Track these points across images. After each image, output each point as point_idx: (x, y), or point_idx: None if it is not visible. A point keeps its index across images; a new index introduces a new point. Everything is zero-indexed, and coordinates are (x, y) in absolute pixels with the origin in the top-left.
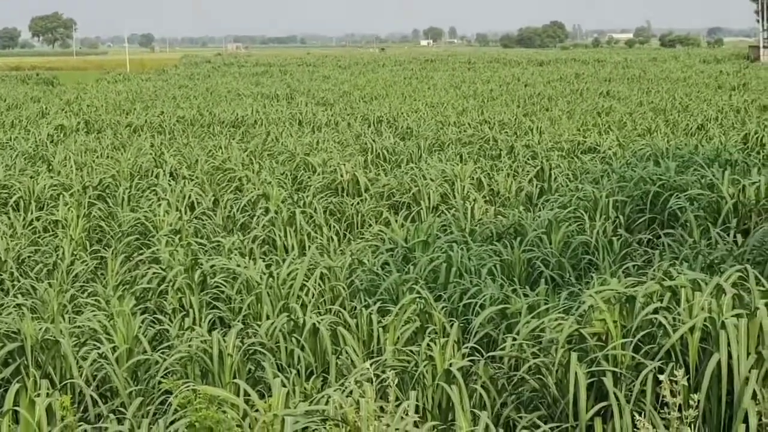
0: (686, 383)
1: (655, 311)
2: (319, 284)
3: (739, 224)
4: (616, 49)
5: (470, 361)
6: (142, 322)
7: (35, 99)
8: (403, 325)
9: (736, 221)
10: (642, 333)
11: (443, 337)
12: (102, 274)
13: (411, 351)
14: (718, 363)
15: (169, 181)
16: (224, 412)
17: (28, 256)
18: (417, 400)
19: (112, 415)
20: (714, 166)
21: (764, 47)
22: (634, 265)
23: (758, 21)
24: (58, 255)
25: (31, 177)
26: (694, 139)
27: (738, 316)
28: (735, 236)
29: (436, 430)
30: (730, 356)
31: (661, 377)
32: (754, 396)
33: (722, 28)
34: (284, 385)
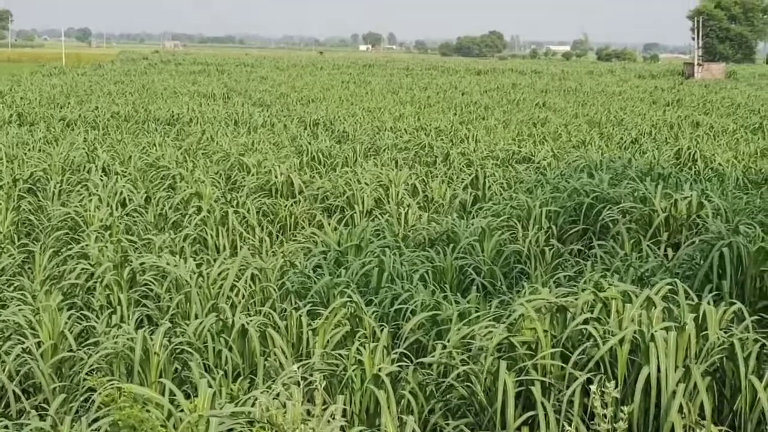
0: (616, 395)
1: (586, 322)
2: (249, 285)
3: (670, 238)
4: (554, 61)
5: (399, 366)
6: (69, 318)
7: None
8: (333, 329)
9: (667, 235)
10: (572, 343)
11: (373, 341)
12: (29, 268)
13: (340, 355)
14: (647, 375)
15: (101, 176)
16: (149, 411)
17: None
18: (344, 404)
19: (34, 411)
20: (647, 180)
21: (698, 64)
22: (565, 276)
23: (693, 38)
24: None
25: None
26: (628, 152)
27: (667, 329)
28: (666, 250)
29: None
30: (658, 369)
31: (591, 388)
32: (681, 409)
33: (658, 44)
34: (210, 386)
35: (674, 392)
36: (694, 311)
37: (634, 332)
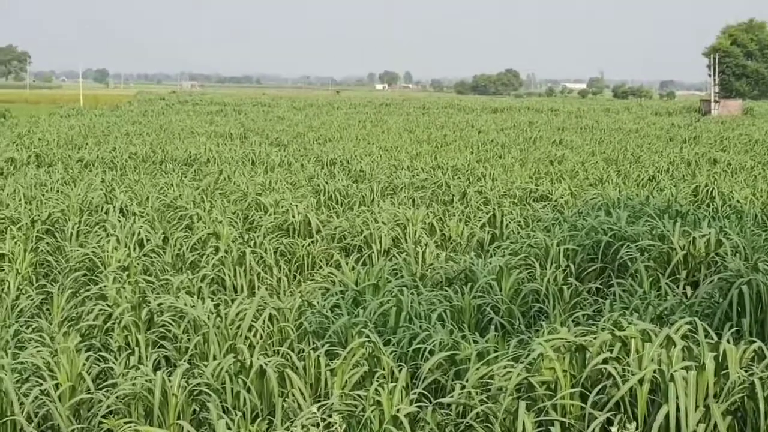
0: None
1: (605, 361)
2: (267, 325)
3: (689, 276)
4: (570, 99)
5: (418, 407)
6: (87, 359)
7: None
8: (351, 369)
9: (686, 273)
10: (591, 383)
11: (392, 381)
12: (47, 309)
13: (359, 395)
14: (667, 415)
15: (119, 217)
16: None
17: None
18: None
19: None
20: (665, 218)
21: (715, 101)
22: (584, 314)
23: (710, 75)
24: (2, 289)
25: None
26: (646, 190)
27: (687, 368)
28: (685, 288)
29: None
30: (678, 409)
31: (612, 429)
32: None
33: (674, 81)
34: (229, 428)
35: None
36: (713, 350)
37: (654, 372)
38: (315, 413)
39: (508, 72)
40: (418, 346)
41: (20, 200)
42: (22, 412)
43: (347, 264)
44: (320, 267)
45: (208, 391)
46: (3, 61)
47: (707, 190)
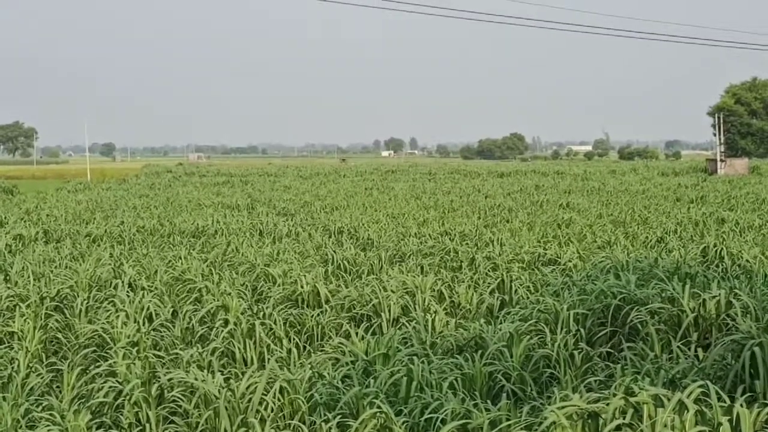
0: None
1: (618, 428)
2: (278, 398)
3: (700, 338)
4: (576, 161)
5: None
6: None
7: None
8: None
9: (696, 335)
10: None
11: None
12: (58, 387)
13: None
14: None
15: (127, 292)
16: None
17: None
18: None
19: None
20: (674, 279)
21: (721, 160)
22: (595, 380)
23: (715, 135)
24: (12, 367)
25: None
26: (654, 251)
27: None
28: (696, 350)
29: None
30: None
31: None
32: None
33: (680, 141)
34: None
35: None
36: (727, 413)
37: None
38: None
39: (513, 136)
40: (430, 415)
41: (29, 277)
42: None
43: (357, 334)
44: (330, 337)
45: None
46: (10, 137)
47: (716, 251)
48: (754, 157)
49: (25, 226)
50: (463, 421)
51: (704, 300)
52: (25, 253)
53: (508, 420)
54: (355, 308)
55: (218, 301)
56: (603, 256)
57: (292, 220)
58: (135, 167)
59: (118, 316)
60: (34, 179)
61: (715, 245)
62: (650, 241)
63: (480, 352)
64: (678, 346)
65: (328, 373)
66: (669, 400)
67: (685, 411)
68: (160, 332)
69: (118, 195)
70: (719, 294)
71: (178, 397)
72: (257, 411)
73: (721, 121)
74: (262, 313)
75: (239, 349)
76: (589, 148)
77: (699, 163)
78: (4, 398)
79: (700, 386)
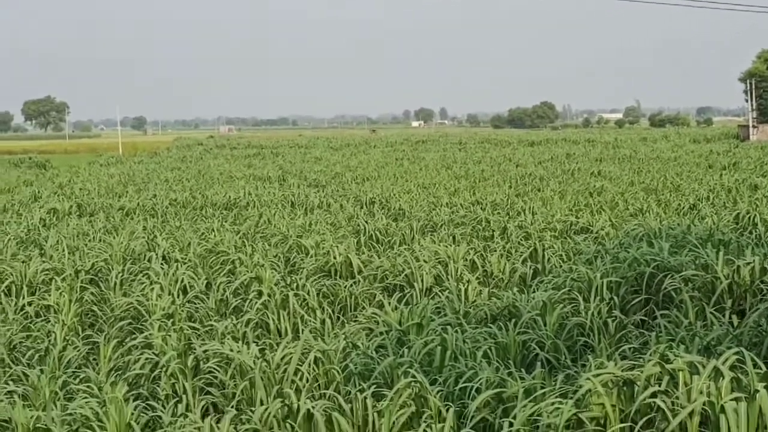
0: None
1: (654, 395)
2: (313, 368)
3: (734, 305)
4: (607, 129)
5: None
6: (135, 408)
7: (28, 182)
8: (398, 410)
9: (731, 302)
10: (641, 417)
11: (439, 421)
12: (94, 359)
13: None
14: None
15: (161, 264)
16: None
17: (20, 342)
18: None
19: None
20: (707, 246)
21: (753, 126)
22: (630, 348)
23: (747, 101)
24: (50, 340)
25: (23, 262)
26: (687, 218)
27: (737, 399)
28: (731, 317)
29: None
30: None
31: None
32: None
33: (711, 107)
34: None
35: None
36: (763, 380)
37: (704, 404)
38: None
39: (543, 104)
40: (465, 384)
41: (63, 251)
42: None
43: (390, 304)
44: (363, 308)
45: None
46: (42, 112)
47: (749, 217)
48: None
49: (59, 200)
50: (498, 389)
51: (738, 266)
52: (60, 226)
53: (542, 388)
54: (387, 278)
55: (251, 272)
56: (635, 224)
57: (323, 191)
58: (166, 140)
59: (152, 288)
60: (66, 153)
61: (748, 212)
62: (683, 208)
63: (513, 321)
64: (712, 313)
65: (362, 344)
66: (704, 367)
67: (721, 378)
68: (195, 304)
69: (149, 168)
70: (753, 260)
71: (214, 368)
72: (292, 381)
73: (753, 86)
74: (295, 284)
75: (273, 320)
76: (620, 115)
77: (731, 129)
78: (42, 371)
79: (736, 353)
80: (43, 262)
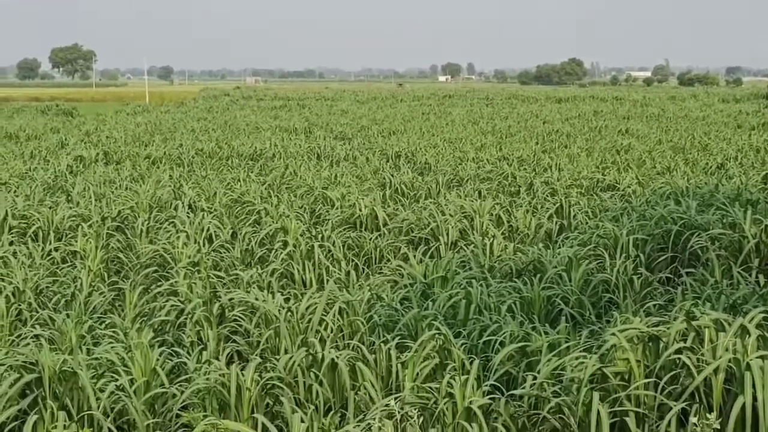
0: (718, 426)
1: (679, 351)
2: (337, 319)
3: (762, 264)
4: (635, 87)
5: (490, 399)
6: (160, 354)
7: (55, 130)
8: (422, 362)
9: (758, 261)
10: (665, 373)
11: (463, 374)
12: (120, 305)
13: (430, 388)
14: (743, 405)
15: (187, 213)
16: None
17: (47, 287)
18: None
19: None
20: (735, 206)
21: None
22: (655, 304)
23: None
24: (76, 286)
25: (50, 207)
26: (714, 178)
27: (763, 357)
28: (757, 276)
29: None
30: (755, 398)
31: (693, 419)
32: None
33: (741, 67)
34: (302, 421)
35: None
36: None
37: (729, 361)
38: (392, 406)
39: (571, 61)
40: (489, 338)
41: (90, 198)
42: (99, 407)
43: (415, 257)
44: (388, 260)
45: (281, 385)
46: (69, 59)
47: None
48: None
49: (86, 147)
50: (522, 343)
51: (766, 226)
52: (86, 174)
53: (566, 343)
54: (413, 232)
55: (277, 223)
56: (663, 182)
57: (349, 144)
58: (193, 90)
59: (178, 236)
60: (93, 102)
61: None
62: (710, 167)
63: (538, 276)
64: (739, 272)
65: (387, 295)
66: (730, 324)
67: (747, 336)
68: (220, 253)
69: (176, 118)
70: None
71: (239, 317)
72: (317, 331)
73: None
74: (320, 235)
75: (298, 270)
76: (648, 74)
77: (761, 89)
78: (68, 316)
79: (762, 312)
80: (70, 208)
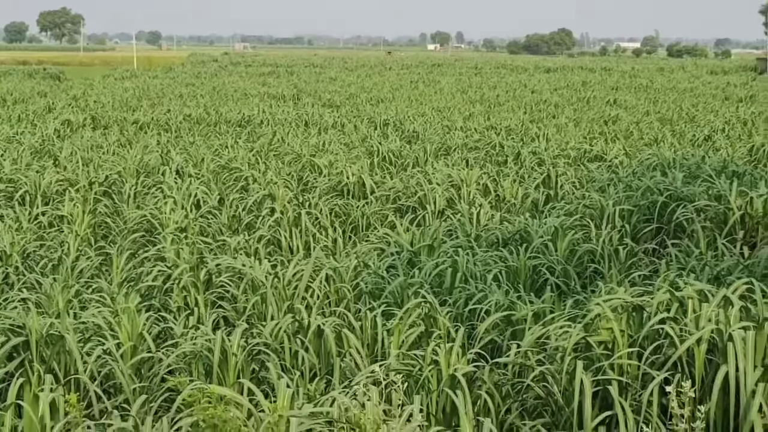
0: (693, 395)
1: (662, 321)
2: (324, 286)
3: (746, 236)
4: (624, 58)
5: (475, 366)
6: (147, 319)
7: (42, 94)
8: (408, 329)
9: (743, 233)
10: (649, 343)
11: (448, 342)
12: (107, 270)
13: (416, 355)
14: (725, 375)
15: (175, 178)
16: (229, 411)
17: (34, 251)
18: (421, 405)
19: (116, 412)
20: (721, 177)
21: None
22: (640, 275)
23: (766, 33)
24: (63, 250)
25: (37, 171)
26: (701, 149)
27: (745, 328)
28: (742, 248)
29: None
30: (736, 368)
31: (668, 388)
32: (760, 409)
33: (730, 39)
34: (288, 386)
35: (753, 392)
36: None
37: (712, 332)
38: (377, 372)
39: (561, 31)
40: (474, 306)
41: (77, 162)
42: (85, 371)
43: (402, 225)
44: (375, 228)
45: (267, 350)
46: (57, 23)
47: (764, 150)
48: None
49: (73, 112)
50: (507, 312)
51: (752, 198)
52: (74, 138)
53: (551, 312)
54: (400, 200)
55: (265, 190)
56: (649, 153)
57: (337, 111)
58: (181, 56)
59: (166, 202)
60: (80, 66)
61: (763, 144)
62: (697, 139)
63: (524, 245)
64: (724, 244)
65: (374, 263)
66: (714, 295)
67: (730, 307)
68: (208, 219)
69: (164, 83)
70: (767, 193)
71: (226, 283)
72: (303, 298)
73: None
74: (308, 202)
75: (285, 237)
76: (637, 45)
77: (749, 62)
78: (55, 280)
79: (746, 283)
80: (57, 172)
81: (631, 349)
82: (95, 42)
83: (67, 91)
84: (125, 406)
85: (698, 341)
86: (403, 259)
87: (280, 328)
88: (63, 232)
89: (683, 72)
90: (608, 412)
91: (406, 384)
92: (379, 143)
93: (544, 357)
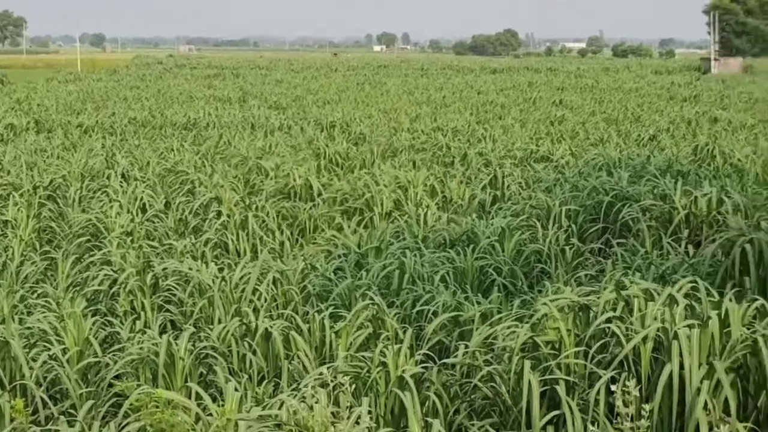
0: (638, 393)
1: (609, 320)
2: (271, 288)
3: (691, 235)
4: (569, 59)
5: (423, 367)
6: (93, 324)
7: None
8: (355, 331)
9: (687, 232)
10: (595, 342)
11: (396, 343)
12: (52, 275)
13: (364, 357)
14: (671, 373)
15: (120, 182)
16: (177, 415)
17: None
18: (369, 407)
19: (62, 417)
20: (666, 177)
21: (715, 59)
22: (586, 275)
23: (710, 33)
24: (7, 255)
25: None
26: (646, 149)
27: (690, 326)
28: (687, 247)
29: None
30: (682, 366)
31: (614, 387)
32: (705, 406)
33: (674, 39)
34: (236, 390)
35: (698, 389)
36: (716, 308)
37: (657, 330)
38: (325, 374)
39: (506, 32)
40: (422, 307)
41: (21, 166)
42: (31, 376)
43: (349, 227)
44: (322, 230)
45: (214, 354)
46: None
47: (708, 149)
48: (748, 57)
49: (16, 115)
50: (455, 313)
51: (696, 197)
52: (17, 142)
53: (499, 312)
54: (347, 202)
55: (211, 193)
56: (595, 153)
57: (284, 113)
58: (125, 58)
59: (111, 206)
60: (23, 69)
61: (707, 144)
62: (643, 139)
63: (471, 246)
64: (669, 243)
65: (321, 265)
66: (659, 294)
67: (675, 305)
68: (154, 223)
69: (108, 86)
70: (711, 192)
71: (173, 286)
72: (250, 301)
73: (716, 19)
74: (254, 205)
75: (232, 240)
76: (583, 45)
77: (693, 61)
78: None
79: (690, 282)
80: (1, 177)
81: (578, 349)
82: (38, 45)
83: (9, 95)
84: (72, 411)
85: (644, 340)
86: (350, 261)
87: (228, 332)
88: (7, 237)
89: (628, 72)
90: (556, 412)
91: (354, 386)
92: (326, 145)
93: (491, 357)
